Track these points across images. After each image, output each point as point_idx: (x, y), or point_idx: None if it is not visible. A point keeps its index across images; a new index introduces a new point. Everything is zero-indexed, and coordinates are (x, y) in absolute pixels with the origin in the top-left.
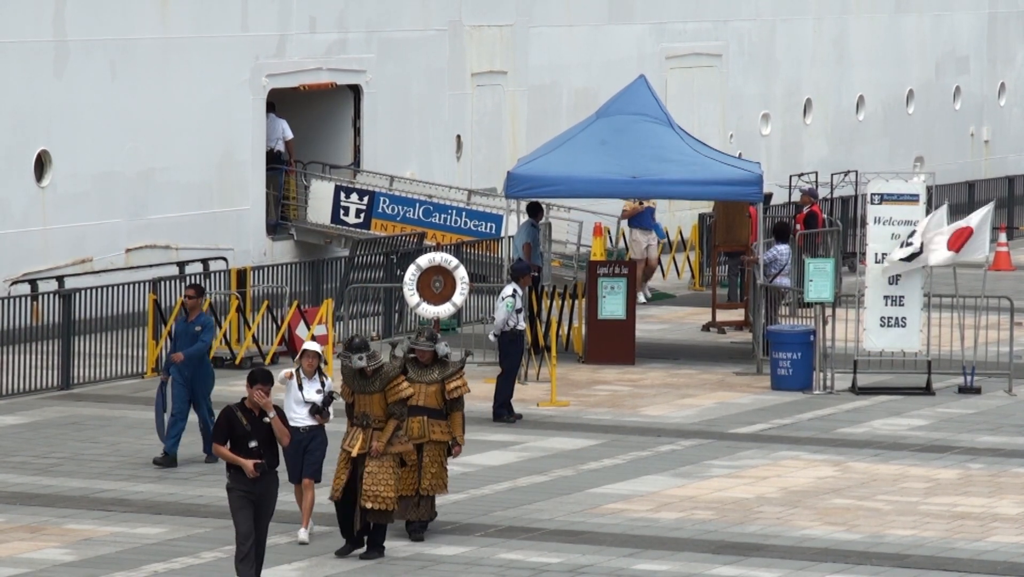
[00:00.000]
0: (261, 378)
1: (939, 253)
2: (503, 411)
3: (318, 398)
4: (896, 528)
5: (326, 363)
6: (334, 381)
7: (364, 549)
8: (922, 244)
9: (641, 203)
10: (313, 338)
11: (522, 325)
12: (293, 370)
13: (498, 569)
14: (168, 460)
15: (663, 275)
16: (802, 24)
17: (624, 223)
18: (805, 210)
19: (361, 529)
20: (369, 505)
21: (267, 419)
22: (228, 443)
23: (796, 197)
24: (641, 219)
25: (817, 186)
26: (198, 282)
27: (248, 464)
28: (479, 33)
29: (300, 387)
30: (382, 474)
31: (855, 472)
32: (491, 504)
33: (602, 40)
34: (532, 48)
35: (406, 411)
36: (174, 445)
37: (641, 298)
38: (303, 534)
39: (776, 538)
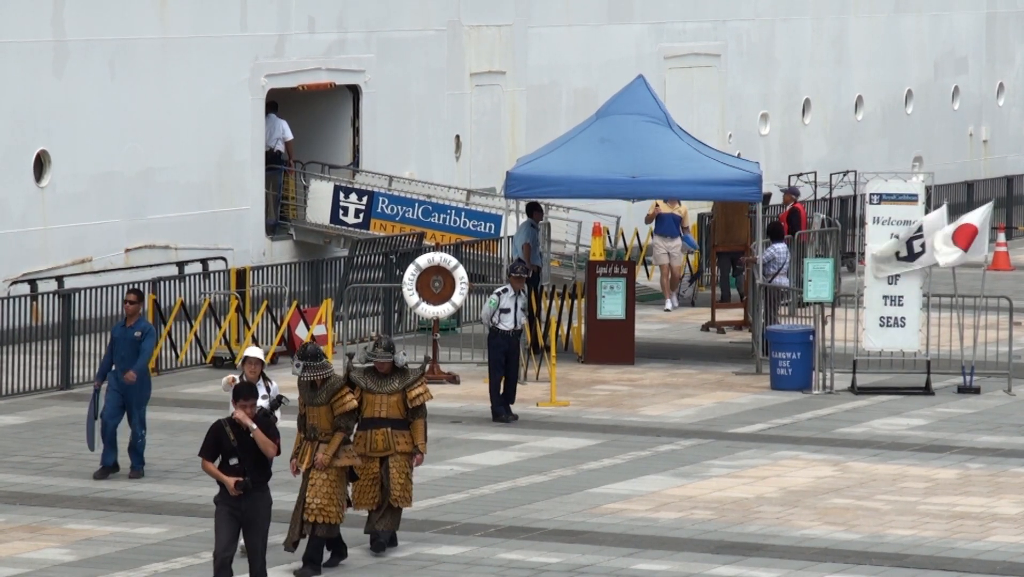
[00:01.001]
0: (245, 393)
1: (951, 254)
2: (499, 410)
3: (264, 404)
4: (895, 528)
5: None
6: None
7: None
8: (923, 245)
9: (657, 205)
10: (313, 338)
11: (505, 325)
12: (236, 376)
13: (498, 569)
14: (107, 471)
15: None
16: (801, 24)
17: (650, 218)
18: (787, 208)
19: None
20: (311, 519)
21: (251, 434)
22: (217, 458)
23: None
24: (662, 225)
25: (816, 186)
26: (138, 288)
27: (230, 482)
28: (478, 33)
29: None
30: (326, 488)
31: (854, 472)
32: (491, 504)
33: (601, 40)
34: (531, 48)
35: (354, 424)
36: (111, 454)
37: (668, 305)
38: None
39: (775, 538)
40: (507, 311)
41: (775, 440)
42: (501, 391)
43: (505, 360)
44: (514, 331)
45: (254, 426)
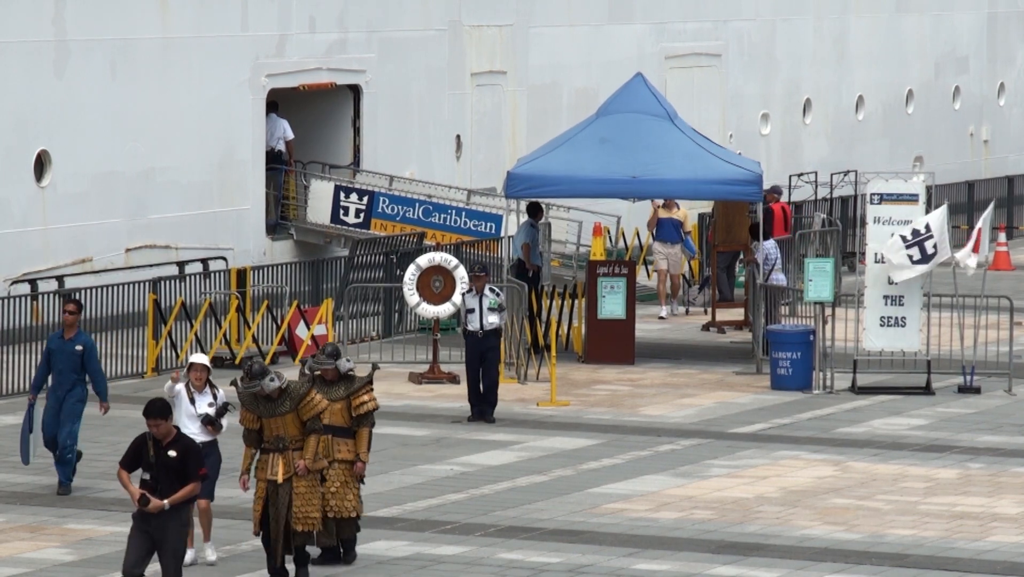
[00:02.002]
0: (154, 412)
1: (971, 260)
2: (475, 409)
3: (210, 411)
4: (896, 528)
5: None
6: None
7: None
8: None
9: (656, 208)
10: (313, 338)
11: (472, 326)
12: (182, 385)
13: (498, 569)
14: (66, 488)
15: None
16: (802, 24)
17: (652, 224)
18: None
19: (283, 558)
20: (300, 528)
21: (171, 452)
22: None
23: (794, 196)
24: (661, 231)
25: (817, 186)
26: (77, 297)
27: (134, 494)
28: (479, 33)
29: (192, 401)
30: (311, 495)
31: (855, 472)
32: (491, 504)
33: (602, 40)
34: (532, 48)
35: (320, 425)
36: (69, 473)
37: (663, 312)
38: (208, 553)
39: (776, 538)
40: (472, 311)
41: (775, 440)
42: (477, 390)
43: (480, 360)
44: (483, 332)
45: (165, 504)
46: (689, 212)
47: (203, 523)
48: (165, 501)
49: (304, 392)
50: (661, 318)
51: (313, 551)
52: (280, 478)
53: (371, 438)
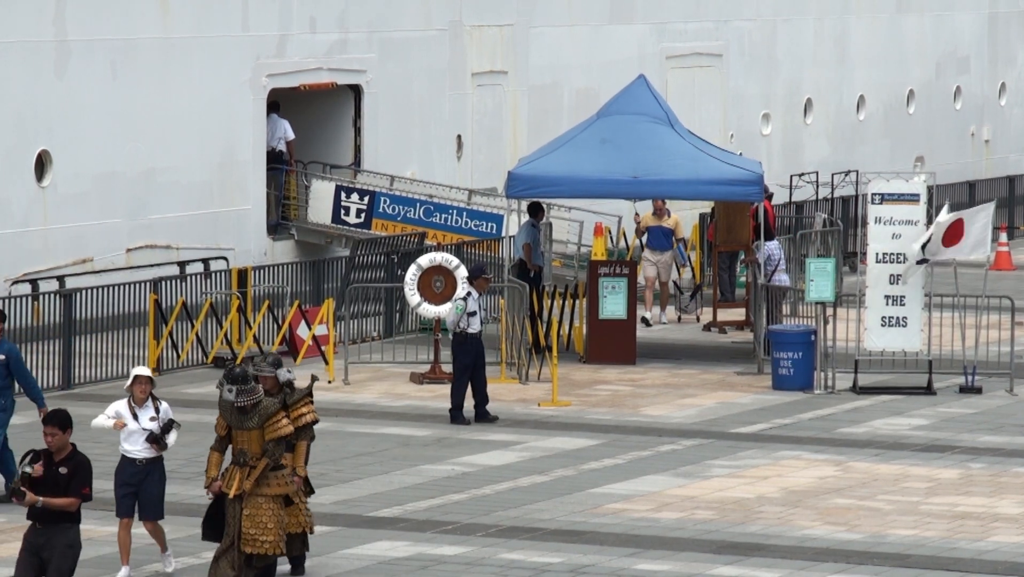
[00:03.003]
0: (54, 420)
1: (940, 253)
2: (455, 413)
3: (153, 426)
4: (897, 528)
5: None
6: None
7: None
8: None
9: (638, 216)
10: (315, 338)
11: (474, 328)
12: (124, 402)
13: (499, 569)
14: (14, 492)
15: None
16: (803, 24)
17: (640, 232)
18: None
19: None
20: (249, 550)
21: (62, 469)
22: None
23: (795, 197)
24: (652, 239)
25: (818, 186)
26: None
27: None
28: (480, 33)
29: (134, 416)
30: (261, 517)
31: (856, 472)
32: (492, 504)
33: (603, 40)
34: (533, 48)
35: (282, 449)
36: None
37: (647, 315)
38: (166, 565)
39: (777, 538)
40: (474, 314)
41: (777, 440)
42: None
43: (475, 362)
44: (481, 333)
45: (39, 501)
46: (690, 212)
47: (156, 539)
48: (40, 498)
49: (273, 412)
50: (643, 320)
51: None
52: (231, 493)
53: (309, 452)
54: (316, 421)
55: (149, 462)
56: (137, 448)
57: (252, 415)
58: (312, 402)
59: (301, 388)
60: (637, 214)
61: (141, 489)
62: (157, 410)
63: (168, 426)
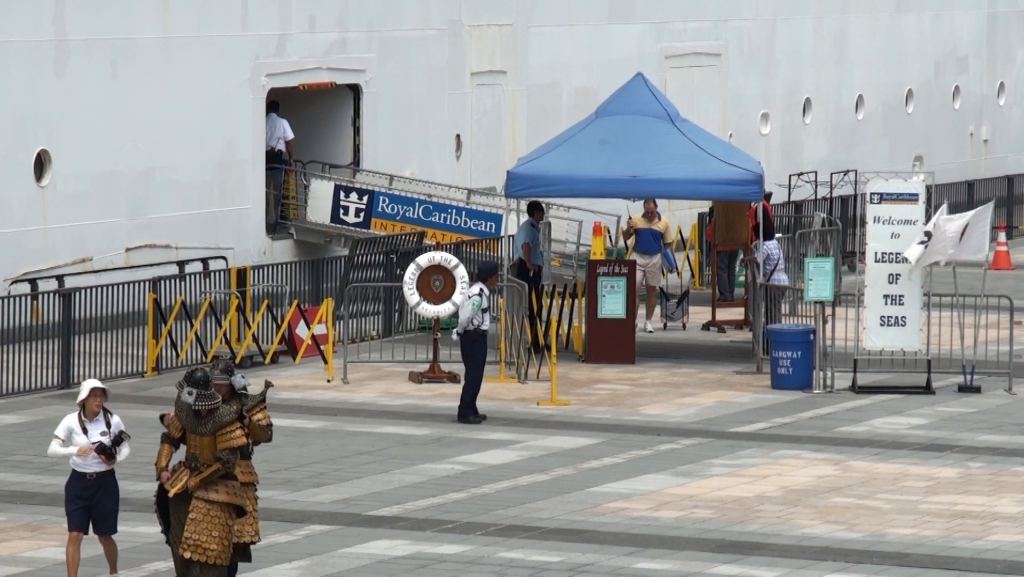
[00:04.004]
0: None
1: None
2: (468, 412)
3: (104, 440)
4: (896, 527)
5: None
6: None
7: None
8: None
9: (631, 219)
10: (314, 337)
11: (487, 325)
12: (74, 416)
13: (498, 568)
14: None
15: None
16: (802, 23)
17: (628, 233)
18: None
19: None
20: (188, 555)
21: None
22: None
23: (794, 196)
24: (641, 242)
25: (817, 185)
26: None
27: None
28: (479, 32)
29: (84, 430)
30: (206, 523)
31: (855, 471)
32: (491, 503)
33: (602, 39)
34: (532, 47)
35: (235, 458)
36: None
37: (648, 327)
38: None
39: (776, 537)
40: (486, 310)
41: (776, 439)
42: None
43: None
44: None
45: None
46: (688, 211)
47: (109, 558)
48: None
49: (228, 421)
50: (648, 332)
51: None
52: (172, 492)
53: (264, 433)
54: (271, 424)
55: (100, 476)
56: (87, 462)
57: (207, 421)
58: (265, 408)
59: (254, 395)
60: (631, 218)
61: (93, 504)
62: (108, 424)
63: (119, 439)
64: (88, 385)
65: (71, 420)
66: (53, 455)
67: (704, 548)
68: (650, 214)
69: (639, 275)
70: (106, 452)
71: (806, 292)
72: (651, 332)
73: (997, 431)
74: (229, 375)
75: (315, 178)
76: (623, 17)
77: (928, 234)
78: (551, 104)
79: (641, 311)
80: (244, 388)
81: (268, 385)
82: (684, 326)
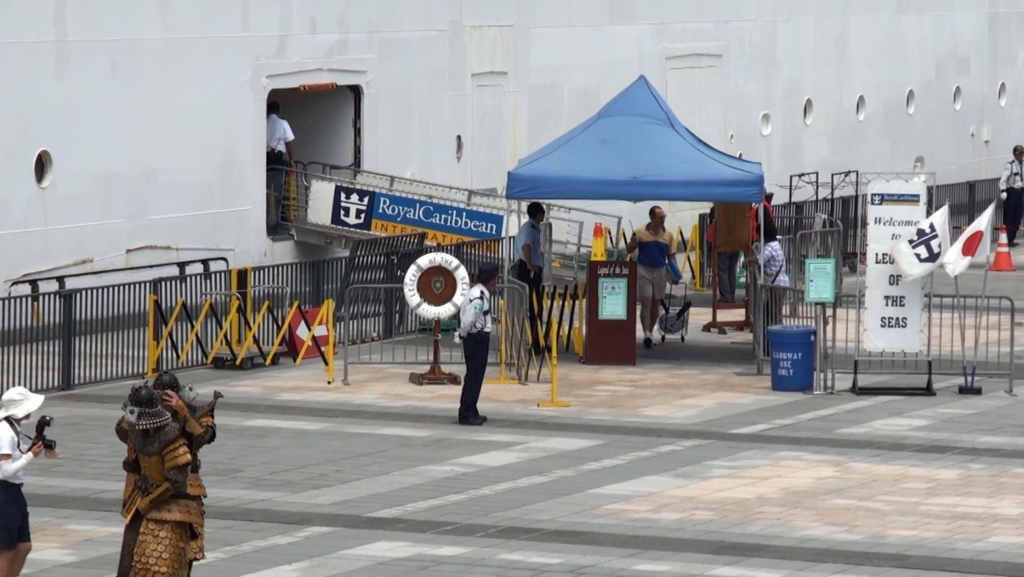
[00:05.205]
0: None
1: (959, 263)
2: (469, 414)
3: (31, 443)
4: (897, 528)
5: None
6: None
7: None
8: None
9: (635, 235)
10: (314, 338)
11: (489, 327)
12: (10, 429)
13: (499, 570)
14: None
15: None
16: (803, 24)
17: (632, 247)
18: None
19: None
20: None
21: None
22: None
23: (795, 197)
24: (646, 255)
25: (818, 186)
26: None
27: None
28: (480, 33)
29: (18, 444)
30: (154, 545)
31: (856, 472)
32: (491, 504)
33: (603, 40)
34: (533, 48)
35: (184, 477)
36: None
37: (656, 336)
38: None
39: (777, 539)
40: (487, 312)
41: (776, 441)
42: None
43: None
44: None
45: None
46: (689, 212)
47: (20, 562)
48: None
49: (172, 438)
50: (648, 341)
51: None
52: (127, 518)
53: (201, 440)
54: (211, 427)
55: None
56: (22, 472)
57: (153, 440)
58: (213, 417)
59: (202, 405)
60: (635, 235)
61: (25, 511)
62: (18, 426)
63: (42, 424)
64: (34, 397)
65: (8, 432)
66: (18, 469)
67: (704, 550)
68: (656, 225)
69: (648, 290)
70: (46, 443)
71: (807, 293)
72: (656, 342)
73: (998, 433)
74: (175, 389)
75: (316, 179)
76: (624, 18)
77: (921, 232)
78: (552, 105)
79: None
80: (192, 400)
81: (217, 396)
82: (683, 339)
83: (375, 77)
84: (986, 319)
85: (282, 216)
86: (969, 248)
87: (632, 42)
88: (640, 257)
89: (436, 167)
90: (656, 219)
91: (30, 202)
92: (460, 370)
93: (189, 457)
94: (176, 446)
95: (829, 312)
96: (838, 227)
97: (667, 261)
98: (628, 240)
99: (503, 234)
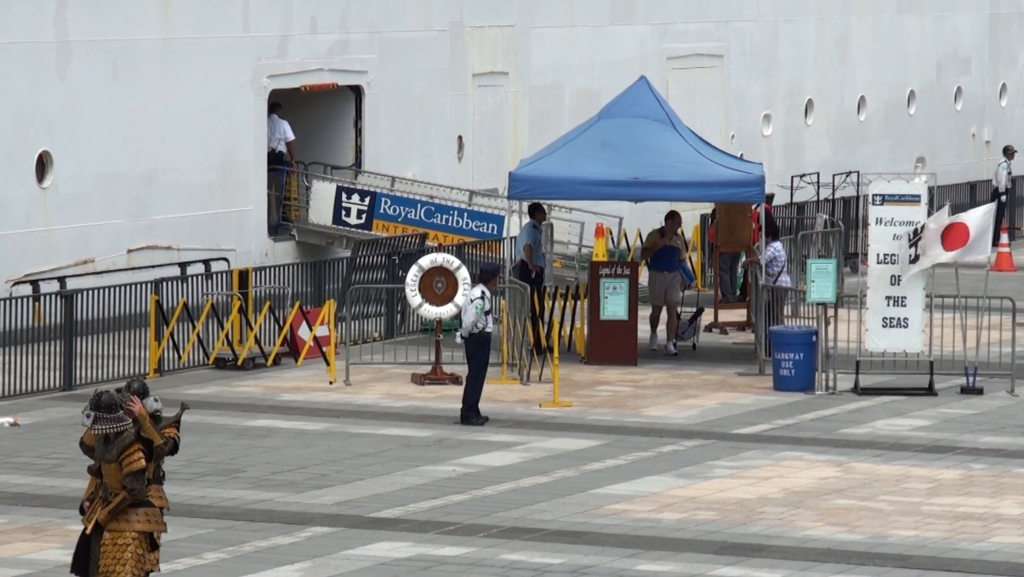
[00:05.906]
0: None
1: (934, 255)
2: (471, 414)
3: None
4: (898, 529)
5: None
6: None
7: None
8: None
9: (654, 242)
10: (316, 339)
11: (490, 327)
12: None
13: (501, 570)
14: None
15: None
16: (804, 25)
17: (646, 254)
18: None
19: None
20: None
21: None
22: None
23: (796, 198)
24: (660, 259)
25: (819, 187)
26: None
27: None
28: (481, 34)
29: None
30: (117, 552)
31: (857, 473)
32: (493, 505)
33: (604, 41)
34: (534, 49)
35: (141, 485)
36: None
37: (670, 348)
38: None
39: (778, 539)
40: (488, 312)
41: (778, 441)
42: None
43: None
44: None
45: None
46: (691, 212)
47: None
48: None
49: (127, 443)
50: (666, 351)
51: None
52: (88, 528)
53: (162, 452)
54: (172, 438)
55: None
56: None
57: (112, 447)
58: (178, 429)
59: (168, 417)
60: (648, 248)
61: None
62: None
63: (183, 409)
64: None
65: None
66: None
67: (706, 550)
68: (670, 231)
69: (661, 298)
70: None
71: (808, 294)
72: (675, 353)
73: (999, 433)
74: (143, 397)
75: (317, 179)
76: (625, 18)
77: (916, 232)
78: (553, 105)
79: (660, 327)
80: (157, 411)
81: (184, 407)
82: (694, 346)
83: (376, 77)
84: (988, 319)
85: (283, 216)
86: (952, 243)
87: (633, 42)
88: (654, 262)
89: (437, 167)
90: (673, 224)
91: (31, 202)
92: (462, 370)
93: (144, 463)
94: (132, 451)
95: (831, 312)
96: (839, 227)
97: (679, 265)
98: (643, 242)
99: (504, 234)
